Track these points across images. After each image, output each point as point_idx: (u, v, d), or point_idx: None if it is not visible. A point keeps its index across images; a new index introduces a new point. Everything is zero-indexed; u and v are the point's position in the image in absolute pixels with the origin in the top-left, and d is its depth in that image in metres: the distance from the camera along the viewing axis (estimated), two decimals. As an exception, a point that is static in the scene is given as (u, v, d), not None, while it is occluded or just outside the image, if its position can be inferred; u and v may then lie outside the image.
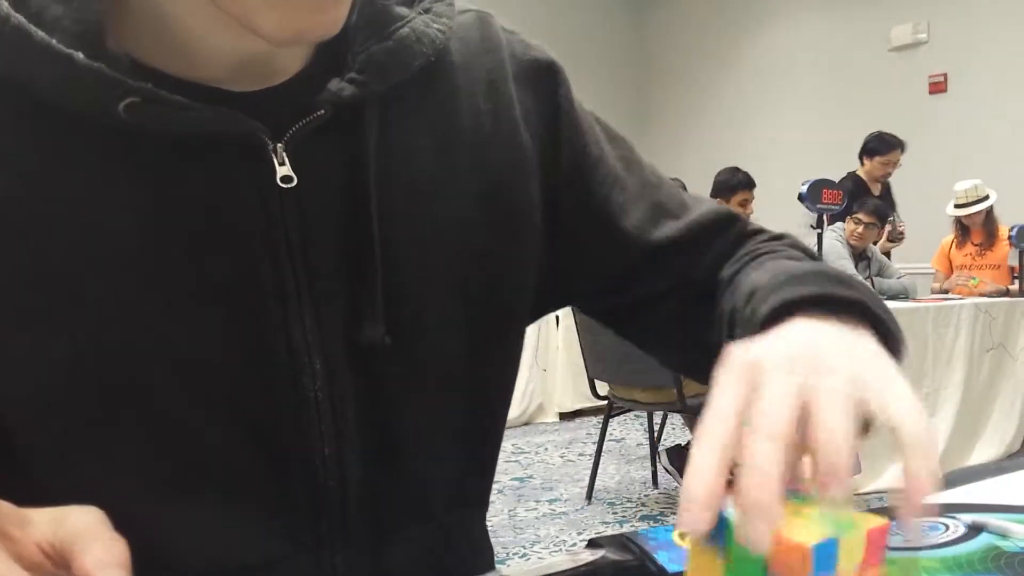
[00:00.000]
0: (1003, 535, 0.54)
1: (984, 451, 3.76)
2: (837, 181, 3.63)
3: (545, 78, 0.62)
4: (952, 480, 0.68)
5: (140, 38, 0.49)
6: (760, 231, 0.66)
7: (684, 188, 3.56)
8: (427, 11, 0.55)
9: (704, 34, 7.15)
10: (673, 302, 0.65)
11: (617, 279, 0.65)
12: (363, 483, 0.54)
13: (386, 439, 0.55)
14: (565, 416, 4.90)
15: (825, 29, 6.37)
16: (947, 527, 0.56)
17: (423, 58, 0.54)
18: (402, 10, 0.54)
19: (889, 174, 4.61)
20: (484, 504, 0.65)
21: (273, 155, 0.49)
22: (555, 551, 2.75)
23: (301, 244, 0.51)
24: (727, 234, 0.65)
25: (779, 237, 0.65)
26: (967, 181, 4.55)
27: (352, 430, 0.53)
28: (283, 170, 0.50)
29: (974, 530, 0.55)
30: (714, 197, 4.21)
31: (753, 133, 6.81)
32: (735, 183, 4.20)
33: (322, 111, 0.50)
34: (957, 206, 4.60)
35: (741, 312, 0.52)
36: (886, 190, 4.64)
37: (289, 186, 0.50)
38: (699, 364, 0.60)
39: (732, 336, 0.53)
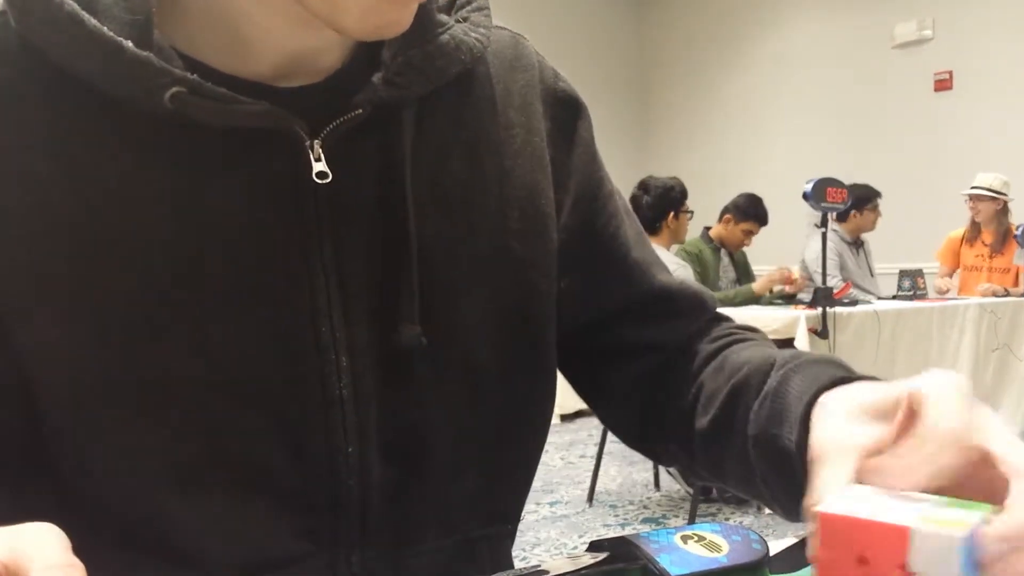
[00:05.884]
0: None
1: (990, 452, 3.75)
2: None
3: (569, 109, 0.64)
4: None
5: (189, 32, 0.51)
6: (729, 318, 0.68)
7: (685, 187, 3.46)
8: (465, 20, 0.57)
9: (705, 32, 7.15)
10: (646, 362, 0.65)
11: (609, 315, 0.65)
12: (384, 486, 0.54)
13: (409, 442, 0.55)
14: (566, 417, 4.90)
15: (828, 26, 6.36)
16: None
17: (461, 65, 0.55)
18: (442, 17, 0.55)
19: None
20: (511, 522, 0.64)
21: (309, 151, 0.50)
22: (556, 554, 2.73)
23: (333, 239, 0.51)
24: (705, 311, 0.67)
25: (749, 328, 0.67)
26: (991, 173, 4.47)
27: (373, 430, 0.53)
28: (319, 166, 0.50)
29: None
30: (723, 215, 4.10)
31: (756, 131, 6.81)
32: (750, 212, 4.02)
33: (360, 110, 0.51)
34: (973, 187, 4.50)
35: (755, 383, 0.54)
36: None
37: (324, 182, 0.50)
38: (648, 429, 0.65)
39: (735, 406, 0.55)
